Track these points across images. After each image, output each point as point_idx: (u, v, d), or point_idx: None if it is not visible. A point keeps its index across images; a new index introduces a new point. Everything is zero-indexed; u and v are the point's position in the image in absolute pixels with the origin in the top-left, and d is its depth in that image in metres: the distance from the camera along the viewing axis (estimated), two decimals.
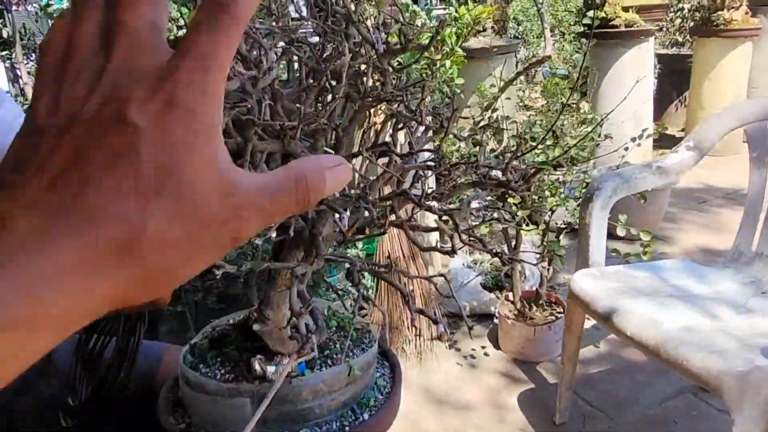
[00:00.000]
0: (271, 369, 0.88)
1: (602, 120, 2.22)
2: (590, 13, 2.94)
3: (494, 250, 0.72)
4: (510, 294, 2.31)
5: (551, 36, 4.94)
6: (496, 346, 2.27)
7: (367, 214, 0.54)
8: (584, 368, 2.08)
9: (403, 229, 0.54)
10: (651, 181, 1.69)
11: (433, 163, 0.61)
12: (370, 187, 0.60)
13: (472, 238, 0.67)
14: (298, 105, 0.56)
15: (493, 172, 0.68)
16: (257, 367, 0.88)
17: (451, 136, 0.63)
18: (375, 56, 0.58)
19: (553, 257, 1.95)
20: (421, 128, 0.64)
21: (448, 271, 2.74)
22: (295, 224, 0.75)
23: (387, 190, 0.79)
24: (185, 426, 0.93)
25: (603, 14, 3.96)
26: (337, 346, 0.97)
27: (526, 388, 2.04)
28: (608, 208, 1.67)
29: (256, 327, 0.85)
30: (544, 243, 2.07)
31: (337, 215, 0.60)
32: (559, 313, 2.19)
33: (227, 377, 0.90)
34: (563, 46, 6.29)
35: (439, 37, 2.11)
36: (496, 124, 1.62)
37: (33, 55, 4.87)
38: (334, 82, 0.59)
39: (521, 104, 4.07)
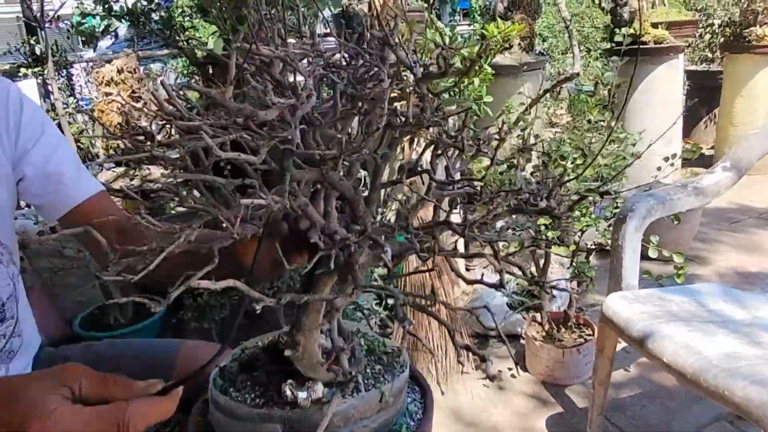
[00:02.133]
0: (302, 395, 0.86)
1: (636, 137, 2.18)
2: (622, 30, 2.89)
3: (534, 278, 0.69)
4: (538, 315, 2.27)
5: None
6: (524, 368, 2.23)
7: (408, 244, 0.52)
8: (614, 392, 2.03)
9: (448, 261, 0.53)
10: (687, 203, 1.65)
11: (471, 190, 0.60)
12: (408, 215, 0.59)
13: (510, 265, 0.65)
14: (333, 132, 0.55)
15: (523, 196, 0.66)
16: (288, 392, 0.86)
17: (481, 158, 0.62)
18: (413, 81, 0.57)
19: (584, 279, 1.91)
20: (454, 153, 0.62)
21: (473, 290, 2.71)
22: (329, 251, 0.74)
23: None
24: None
25: (632, 31, 3.93)
26: (368, 371, 0.95)
27: (555, 411, 2.00)
28: (642, 230, 1.63)
29: (287, 353, 0.84)
30: (574, 264, 2.03)
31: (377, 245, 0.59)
32: (589, 335, 2.14)
33: (257, 402, 0.89)
34: (589, 62, 6.24)
35: (466, 54, 2.10)
36: (532, 147, 1.59)
37: (64, 71, 4.99)
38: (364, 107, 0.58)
39: (547, 121, 4.04)
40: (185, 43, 2.45)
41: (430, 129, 0.58)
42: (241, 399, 0.91)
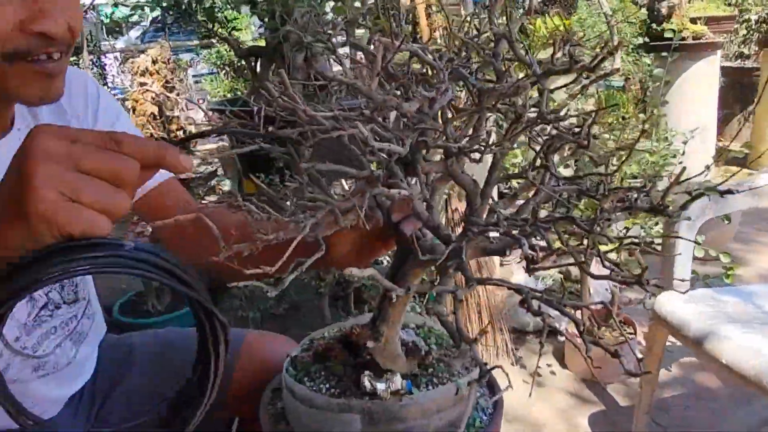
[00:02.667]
0: (381, 386, 0.86)
1: (688, 135, 2.15)
2: (665, 25, 2.85)
3: (627, 280, 0.69)
4: (577, 312, 2.26)
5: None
6: (563, 365, 2.22)
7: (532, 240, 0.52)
8: (657, 392, 2.01)
9: (579, 262, 0.52)
10: (742, 203, 1.63)
11: (583, 187, 0.59)
12: (522, 209, 0.59)
13: (608, 262, 0.65)
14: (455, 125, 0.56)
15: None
16: (367, 383, 0.87)
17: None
18: (533, 77, 0.56)
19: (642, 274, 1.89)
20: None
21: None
22: (422, 240, 0.74)
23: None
24: None
25: (670, 26, 3.87)
26: (441, 365, 0.95)
27: (597, 409, 1.99)
28: (695, 230, 1.62)
29: (370, 344, 0.84)
30: (618, 261, 2.01)
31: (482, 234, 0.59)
32: (630, 333, 2.13)
33: (333, 392, 0.90)
34: (622, 57, 6.16)
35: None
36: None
37: (99, 60, 5.04)
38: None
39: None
40: (228, 34, 2.47)
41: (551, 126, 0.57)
42: (317, 389, 0.92)
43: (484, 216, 0.58)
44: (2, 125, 0.84)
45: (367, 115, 0.51)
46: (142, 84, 4.42)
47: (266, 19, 2.11)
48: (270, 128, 0.62)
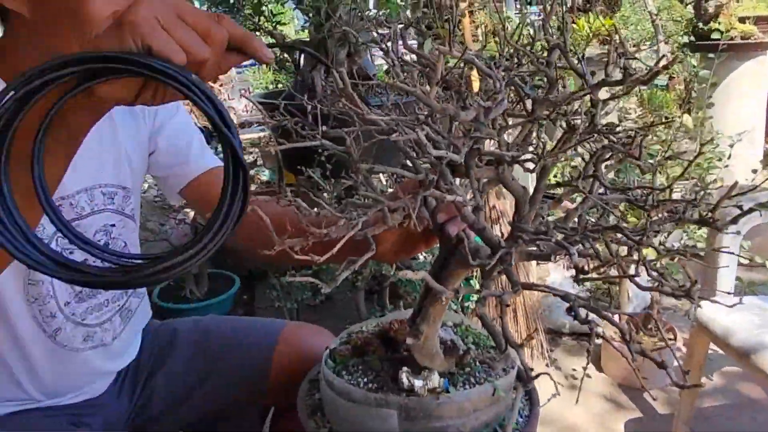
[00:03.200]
0: (418, 383, 0.87)
1: (735, 138, 2.10)
2: (710, 25, 2.78)
3: (676, 292, 0.68)
4: (615, 315, 2.23)
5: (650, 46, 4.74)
6: (599, 368, 2.20)
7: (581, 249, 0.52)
8: (697, 400, 1.98)
9: (629, 275, 0.53)
10: None
11: (631, 197, 0.59)
12: (569, 217, 0.59)
13: (653, 271, 0.64)
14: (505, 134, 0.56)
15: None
16: (405, 379, 0.88)
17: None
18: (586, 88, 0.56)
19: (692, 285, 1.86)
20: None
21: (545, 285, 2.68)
22: (468, 245, 0.74)
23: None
24: (327, 431, 0.94)
25: (717, 25, 3.77)
26: (478, 364, 0.96)
27: (634, 416, 1.96)
28: (741, 236, 1.58)
29: (409, 341, 0.85)
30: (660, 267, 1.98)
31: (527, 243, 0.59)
32: (670, 339, 2.09)
33: (371, 386, 0.91)
34: (667, 56, 6.01)
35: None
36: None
37: None
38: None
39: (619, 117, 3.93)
40: (273, 28, 2.50)
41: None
42: (355, 382, 0.93)
43: (532, 222, 0.58)
44: None
45: (423, 120, 0.52)
46: None
47: (311, 15, 2.13)
48: (324, 127, 0.63)
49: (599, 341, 2.31)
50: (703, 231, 2.00)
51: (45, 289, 0.92)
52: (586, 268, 0.47)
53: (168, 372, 1.13)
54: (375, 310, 1.98)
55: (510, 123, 0.53)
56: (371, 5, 2.24)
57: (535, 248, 0.64)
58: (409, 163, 0.64)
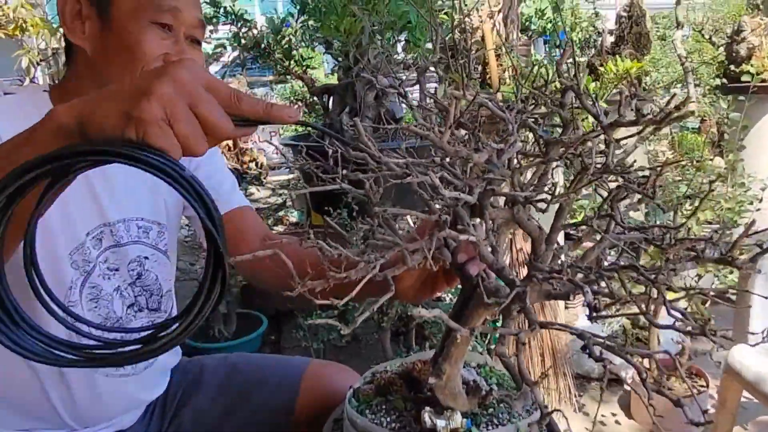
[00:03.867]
0: (441, 423, 0.87)
1: (767, 181, 2.07)
2: (742, 67, 2.78)
3: (693, 330, 0.68)
4: (644, 360, 2.19)
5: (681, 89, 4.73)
6: (628, 415, 2.14)
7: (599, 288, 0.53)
8: None
9: (643, 312, 0.53)
10: None
11: (649, 236, 0.60)
12: (586, 256, 0.60)
13: (675, 311, 0.64)
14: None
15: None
16: (427, 419, 0.88)
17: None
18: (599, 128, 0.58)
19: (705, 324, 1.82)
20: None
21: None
22: (486, 282, 0.75)
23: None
24: None
25: (749, 68, 3.75)
26: (501, 405, 0.96)
27: None
28: None
29: (432, 380, 0.86)
30: (687, 309, 1.94)
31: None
32: (701, 386, 2.03)
33: (394, 426, 0.91)
34: (698, 99, 6.00)
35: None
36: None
37: None
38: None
39: (649, 158, 3.91)
40: (303, 71, 2.58)
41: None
42: (378, 422, 0.93)
43: (549, 261, 0.59)
44: None
45: (438, 163, 0.54)
46: None
47: (340, 59, 2.20)
48: (345, 171, 0.66)
49: (628, 387, 2.26)
50: (735, 275, 1.97)
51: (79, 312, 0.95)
52: (598, 306, 0.48)
53: (195, 407, 1.15)
54: (401, 352, 1.98)
55: (524, 164, 0.54)
56: (399, 49, 2.30)
57: (552, 288, 0.65)
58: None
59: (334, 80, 3.11)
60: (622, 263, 0.53)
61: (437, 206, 0.57)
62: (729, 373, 1.46)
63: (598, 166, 0.53)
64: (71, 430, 1.01)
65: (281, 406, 1.12)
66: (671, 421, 1.98)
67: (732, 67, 3.82)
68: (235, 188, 1.18)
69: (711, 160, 3.02)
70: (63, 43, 0.89)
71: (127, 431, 1.08)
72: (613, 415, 2.16)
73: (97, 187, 0.96)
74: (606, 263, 0.54)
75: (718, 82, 4.17)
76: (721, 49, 4.45)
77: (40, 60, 3.41)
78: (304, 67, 2.58)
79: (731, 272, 1.97)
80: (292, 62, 2.54)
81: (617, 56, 3.67)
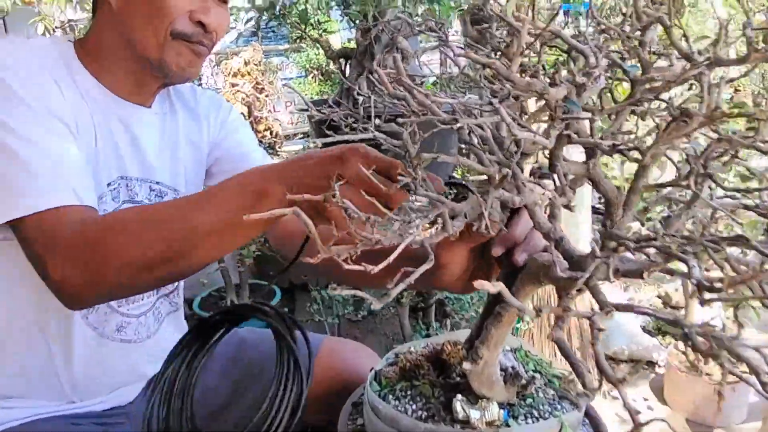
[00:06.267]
0: (475, 413, 0.78)
1: None
2: None
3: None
4: (680, 343, 2.08)
5: None
6: (661, 400, 2.04)
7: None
8: None
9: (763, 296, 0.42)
10: None
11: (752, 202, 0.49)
12: (671, 223, 0.49)
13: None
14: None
15: None
16: (459, 408, 0.78)
17: None
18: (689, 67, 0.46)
19: (744, 307, 1.71)
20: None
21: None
22: (540, 257, 0.65)
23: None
24: None
25: None
26: (541, 395, 0.86)
27: None
28: None
29: (466, 366, 0.76)
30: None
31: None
32: (745, 372, 1.92)
33: (421, 415, 0.81)
34: None
35: None
36: None
37: None
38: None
39: None
40: (319, 36, 2.46)
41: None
42: (402, 409, 0.84)
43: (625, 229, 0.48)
44: (147, 98, 0.99)
45: (495, 106, 0.43)
46: (233, 85, 4.52)
47: (356, 21, 2.07)
48: (378, 121, 0.56)
49: (661, 370, 2.15)
50: None
51: None
52: (712, 285, 0.37)
53: (202, 384, 1.07)
54: (421, 328, 1.88)
55: (607, 107, 0.43)
56: (420, 10, 2.17)
57: (622, 262, 0.54)
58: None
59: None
60: (728, 235, 0.42)
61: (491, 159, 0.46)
62: None
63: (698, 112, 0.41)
64: (69, 402, 0.96)
65: None
66: (709, 409, 1.88)
67: None
68: (267, 158, 1.16)
69: None
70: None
71: (127, 407, 1.01)
72: (645, 400, 2.06)
73: (120, 142, 0.96)
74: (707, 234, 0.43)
75: None
76: None
77: (57, 27, 3.35)
78: (321, 31, 2.46)
79: None
80: (308, 26, 2.41)
81: None
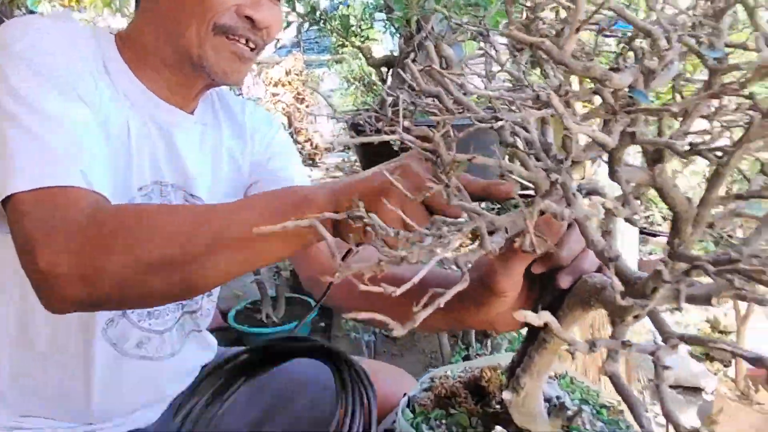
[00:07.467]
0: None
1: None
2: None
3: None
4: (729, 370, 1.95)
5: None
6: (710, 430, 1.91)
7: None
8: None
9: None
10: None
11: None
12: (749, 241, 0.41)
13: None
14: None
15: None
16: None
17: None
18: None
19: None
20: None
21: (648, 332, 2.41)
22: (590, 280, 0.58)
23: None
24: None
25: None
26: (588, 427, 0.78)
27: None
28: None
29: (506, 396, 0.69)
30: None
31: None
32: None
33: None
34: None
35: None
36: None
37: None
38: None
39: None
40: (362, 43, 2.43)
41: None
42: None
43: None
44: (188, 102, 0.93)
45: (544, 100, 0.36)
46: (274, 94, 4.54)
47: (399, 28, 2.03)
48: (407, 122, 0.50)
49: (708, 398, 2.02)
50: None
51: None
52: None
53: (229, 406, 1.02)
54: (460, 348, 1.80)
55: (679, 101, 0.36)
56: (465, 19, 2.11)
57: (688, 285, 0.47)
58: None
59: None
60: None
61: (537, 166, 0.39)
62: None
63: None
64: (85, 423, 0.91)
65: (327, 409, 0.98)
66: None
67: None
68: (307, 182, 1.08)
69: None
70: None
71: (147, 429, 0.96)
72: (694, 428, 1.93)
73: (157, 144, 0.90)
74: None
75: None
76: None
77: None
78: (363, 39, 2.42)
79: None
80: (349, 33, 2.38)
81: None
